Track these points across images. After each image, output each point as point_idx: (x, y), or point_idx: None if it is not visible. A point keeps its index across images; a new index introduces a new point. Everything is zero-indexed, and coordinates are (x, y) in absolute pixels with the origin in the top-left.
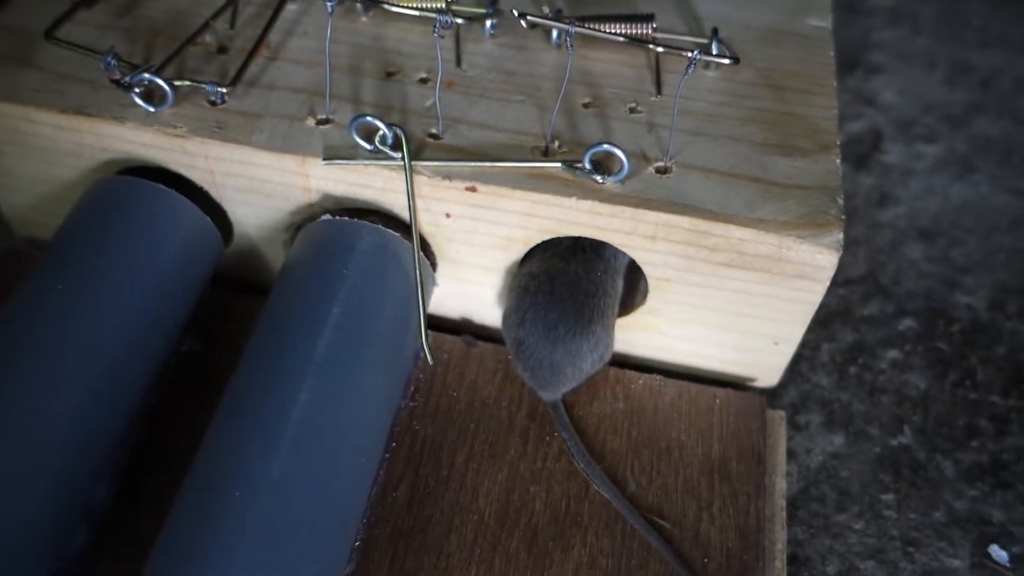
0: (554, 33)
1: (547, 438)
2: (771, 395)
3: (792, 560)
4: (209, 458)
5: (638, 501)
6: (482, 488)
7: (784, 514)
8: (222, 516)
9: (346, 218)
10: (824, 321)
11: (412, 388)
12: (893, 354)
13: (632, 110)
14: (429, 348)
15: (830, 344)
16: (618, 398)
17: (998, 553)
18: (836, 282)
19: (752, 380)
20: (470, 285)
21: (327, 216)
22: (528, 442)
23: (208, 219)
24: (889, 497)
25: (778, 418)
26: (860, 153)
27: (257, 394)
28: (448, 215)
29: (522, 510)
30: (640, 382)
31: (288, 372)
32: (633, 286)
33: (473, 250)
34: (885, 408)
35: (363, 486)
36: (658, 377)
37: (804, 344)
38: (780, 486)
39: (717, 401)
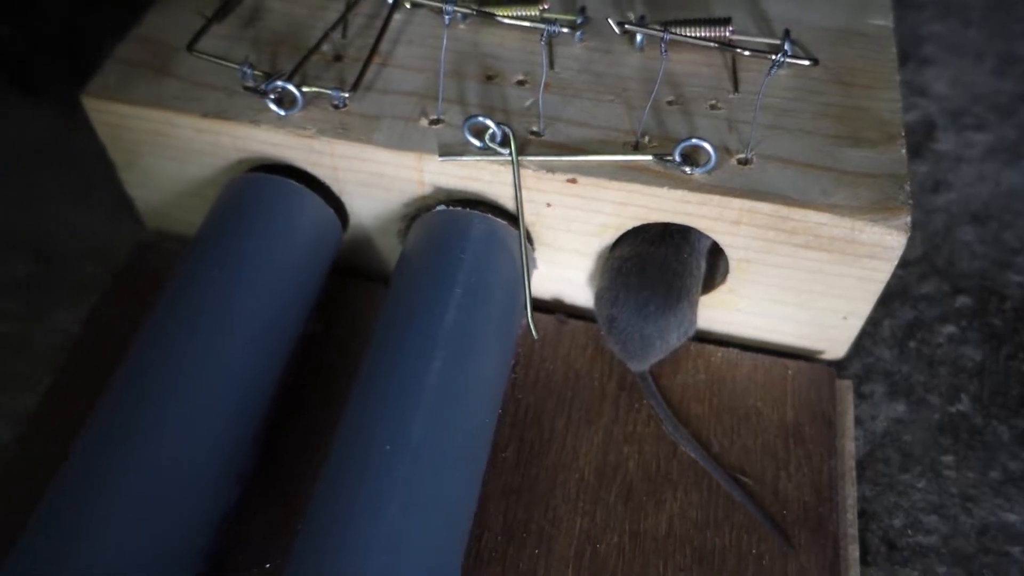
0: (638, 37)
1: (636, 405)
2: (838, 367)
3: (861, 514)
4: (354, 424)
5: (721, 460)
6: (581, 449)
7: (853, 473)
8: (374, 473)
9: (459, 208)
10: (884, 300)
11: (513, 361)
12: (950, 329)
13: (712, 107)
14: (534, 324)
15: (891, 321)
16: (699, 370)
17: None
18: None
19: (821, 353)
20: (565, 268)
21: (441, 207)
22: (619, 409)
23: (331, 210)
24: (948, 458)
25: (845, 387)
26: (914, 142)
27: (393, 367)
28: (549, 204)
29: (618, 469)
30: (719, 355)
31: (420, 346)
32: (714, 267)
33: (570, 236)
34: (943, 379)
35: (486, 446)
36: (735, 350)
37: (866, 321)
38: (849, 448)
39: (789, 372)
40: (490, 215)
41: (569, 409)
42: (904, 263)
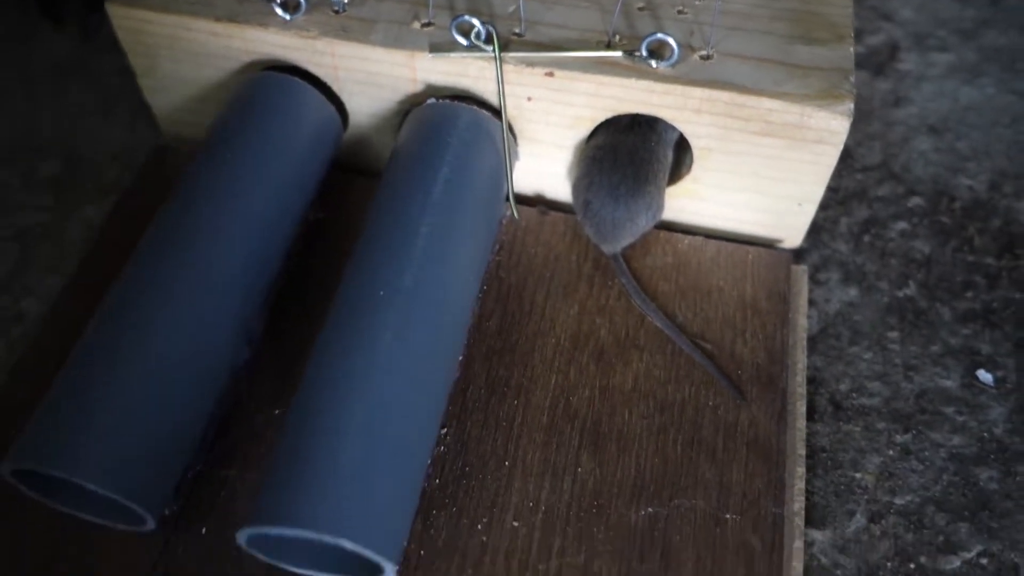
0: None
1: (609, 283)
2: (797, 256)
3: (811, 380)
4: (353, 277)
5: (685, 329)
6: (558, 319)
7: (804, 343)
8: (370, 312)
9: (448, 100)
10: (843, 200)
11: (498, 246)
12: (902, 225)
13: (680, 12)
14: (515, 207)
15: (848, 218)
16: (667, 254)
17: (984, 376)
18: (854, 168)
19: (780, 241)
20: (546, 162)
21: (432, 100)
22: (593, 286)
23: (332, 107)
24: (894, 335)
25: (801, 271)
26: (878, 63)
27: (388, 231)
28: (530, 98)
29: (591, 335)
30: (686, 242)
31: (411, 214)
32: (680, 159)
33: (549, 129)
34: (894, 268)
35: (468, 304)
36: (700, 238)
37: (825, 218)
38: (802, 322)
39: (750, 256)
40: (476, 107)
41: (548, 286)
42: (864, 168)
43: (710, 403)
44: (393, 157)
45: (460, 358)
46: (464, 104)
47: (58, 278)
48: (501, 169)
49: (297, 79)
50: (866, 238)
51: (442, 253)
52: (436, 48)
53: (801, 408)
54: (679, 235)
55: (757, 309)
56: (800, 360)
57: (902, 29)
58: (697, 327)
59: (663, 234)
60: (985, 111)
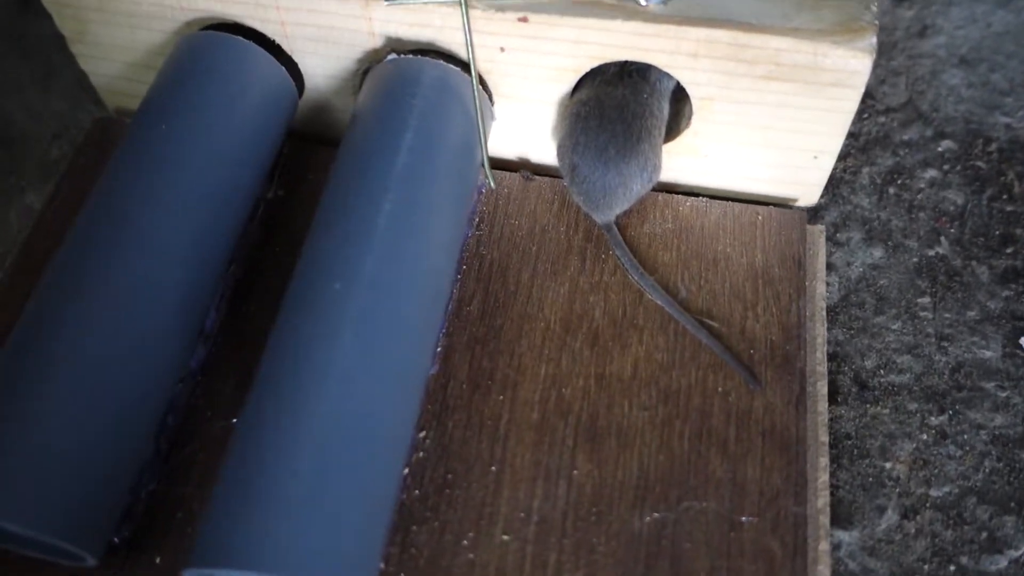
0: None
1: (603, 256)
2: (813, 215)
3: (832, 357)
4: (306, 268)
5: (688, 305)
6: (547, 300)
7: (824, 314)
8: (328, 308)
9: (410, 55)
10: (864, 147)
11: (477, 219)
12: (931, 174)
13: None
14: (490, 173)
15: (870, 168)
16: (667, 219)
17: None
18: (876, 110)
19: (794, 200)
20: (527, 122)
21: (392, 56)
22: (586, 260)
23: (283, 69)
24: (925, 300)
25: (817, 231)
26: None
27: (345, 210)
28: (503, 49)
29: (583, 317)
30: (687, 204)
31: (371, 187)
32: (679, 112)
33: (527, 84)
34: (923, 223)
35: (444, 288)
36: (704, 199)
37: (844, 169)
38: (820, 289)
39: (759, 217)
40: (443, 62)
41: (535, 262)
42: (887, 110)
43: (719, 389)
44: (351, 124)
45: (438, 349)
46: (429, 59)
47: None
48: (474, 132)
49: (240, 38)
50: (891, 190)
51: (409, 231)
52: None
53: (822, 390)
54: (680, 197)
55: (769, 278)
56: (819, 334)
57: None
58: (702, 302)
59: (662, 197)
60: (1023, 37)
